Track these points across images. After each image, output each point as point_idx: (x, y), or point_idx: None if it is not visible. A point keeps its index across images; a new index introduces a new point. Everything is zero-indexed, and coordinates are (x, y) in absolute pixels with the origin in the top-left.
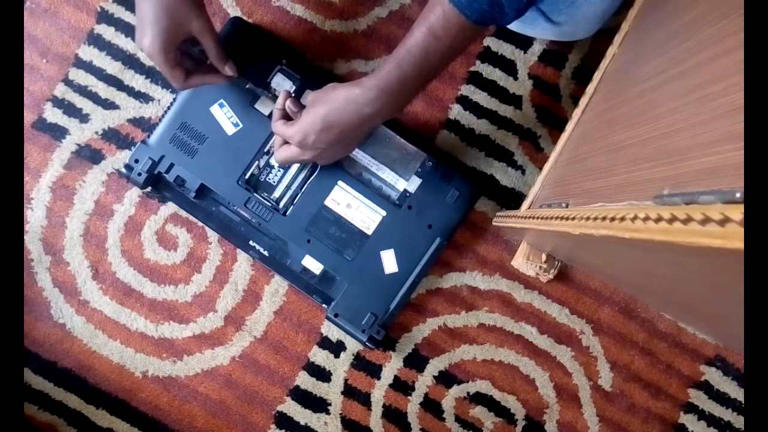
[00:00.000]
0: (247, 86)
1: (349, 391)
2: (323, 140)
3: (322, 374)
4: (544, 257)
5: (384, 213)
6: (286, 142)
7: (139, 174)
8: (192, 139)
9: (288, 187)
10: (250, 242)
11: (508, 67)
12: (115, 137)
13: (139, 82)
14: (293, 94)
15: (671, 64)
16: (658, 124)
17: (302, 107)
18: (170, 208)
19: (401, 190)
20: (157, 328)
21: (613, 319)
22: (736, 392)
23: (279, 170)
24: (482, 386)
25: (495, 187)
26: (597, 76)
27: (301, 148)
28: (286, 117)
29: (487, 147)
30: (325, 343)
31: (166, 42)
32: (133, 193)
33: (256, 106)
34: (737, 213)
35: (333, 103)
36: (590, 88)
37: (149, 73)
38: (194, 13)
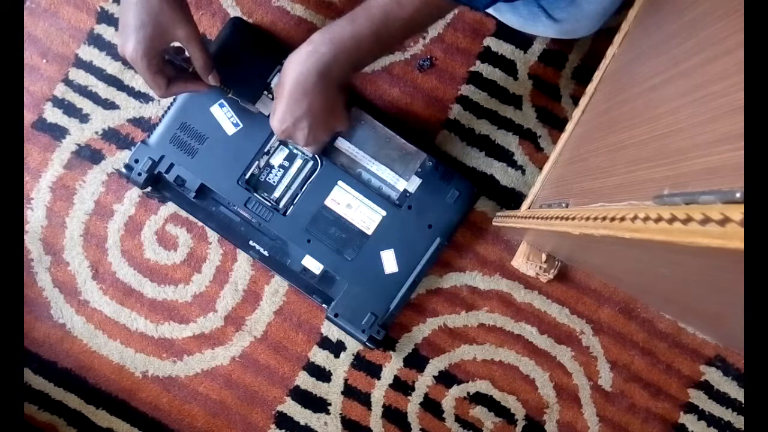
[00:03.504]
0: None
1: (349, 391)
2: (299, 115)
3: (322, 374)
4: (544, 257)
5: (384, 213)
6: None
7: (139, 174)
8: (192, 139)
9: (288, 187)
10: (250, 242)
11: (508, 67)
12: (115, 137)
13: (139, 82)
14: None
15: (671, 64)
16: (658, 124)
17: None
18: (170, 208)
19: (401, 190)
20: (157, 328)
21: (613, 319)
22: (736, 392)
23: (279, 170)
24: (482, 386)
25: (495, 187)
26: (597, 76)
27: (289, 136)
28: None
29: (487, 147)
30: (325, 343)
31: (149, 49)
32: (133, 193)
33: (257, 105)
34: (737, 213)
35: (289, 74)
36: (590, 88)
37: None
38: (180, 20)
